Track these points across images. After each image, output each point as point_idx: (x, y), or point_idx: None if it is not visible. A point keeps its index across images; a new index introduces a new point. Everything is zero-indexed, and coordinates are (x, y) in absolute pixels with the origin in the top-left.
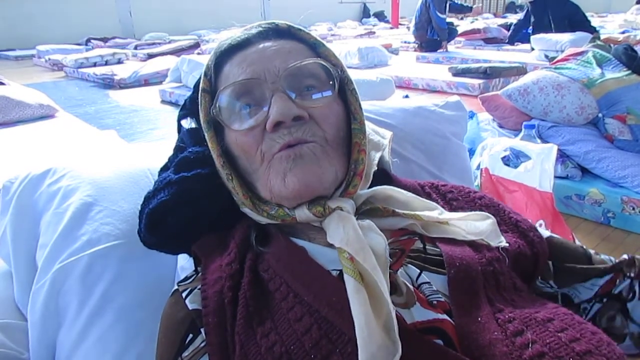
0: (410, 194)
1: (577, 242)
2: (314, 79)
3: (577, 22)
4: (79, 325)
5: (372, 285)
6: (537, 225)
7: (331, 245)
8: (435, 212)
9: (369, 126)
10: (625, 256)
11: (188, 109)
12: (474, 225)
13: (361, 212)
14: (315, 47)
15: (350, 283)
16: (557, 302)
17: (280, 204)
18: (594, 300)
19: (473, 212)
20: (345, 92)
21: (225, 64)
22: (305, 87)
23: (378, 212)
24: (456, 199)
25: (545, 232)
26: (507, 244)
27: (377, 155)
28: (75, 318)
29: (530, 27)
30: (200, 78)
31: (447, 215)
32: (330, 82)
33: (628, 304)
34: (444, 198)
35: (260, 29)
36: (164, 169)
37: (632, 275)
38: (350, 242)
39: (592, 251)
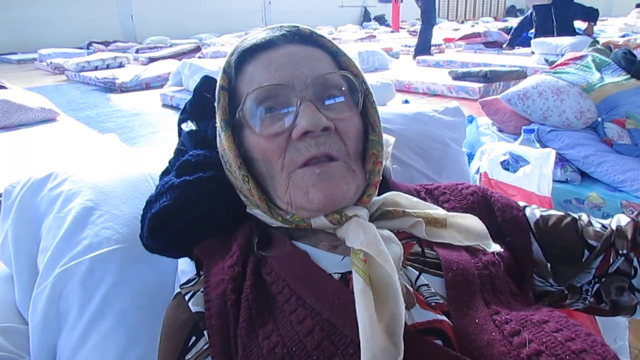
0: (415, 198)
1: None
2: (339, 90)
3: (585, 13)
4: (80, 329)
5: (380, 288)
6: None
7: (334, 250)
8: (440, 210)
9: None
10: (620, 219)
11: (188, 112)
12: (471, 226)
13: (373, 218)
14: (336, 55)
15: (359, 283)
16: (560, 294)
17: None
18: (593, 281)
19: (472, 216)
20: (366, 103)
21: (247, 64)
22: (330, 96)
23: (389, 215)
24: (448, 201)
25: (535, 214)
26: (502, 250)
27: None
28: (75, 322)
29: (533, 31)
30: (200, 83)
31: (450, 213)
32: (353, 94)
33: (633, 281)
34: (437, 202)
35: (285, 31)
36: (165, 172)
37: (625, 251)
38: (370, 244)
39: (584, 220)
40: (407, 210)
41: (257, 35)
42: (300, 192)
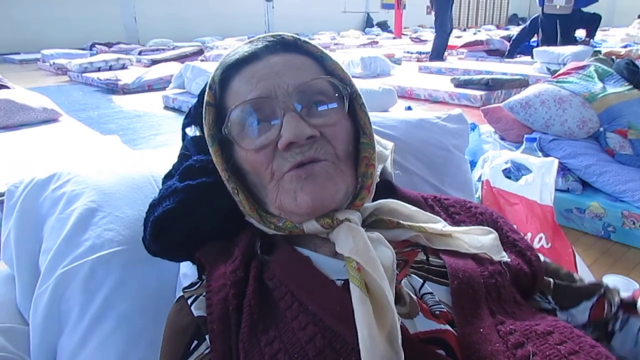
0: (414, 207)
1: (577, 257)
2: (324, 96)
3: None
4: (81, 331)
5: (377, 295)
6: (537, 238)
7: (336, 255)
8: (439, 224)
9: None
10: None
11: (192, 117)
12: (476, 239)
13: (367, 224)
14: (322, 60)
15: (355, 293)
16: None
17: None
18: (589, 328)
19: (476, 227)
20: (354, 106)
21: (232, 78)
22: (315, 103)
23: (383, 224)
24: (458, 213)
25: (540, 257)
26: (509, 259)
27: (380, 167)
28: (76, 323)
29: (535, 40)
30: (204, 87)
31: (450, 228)
32: (339, 98)
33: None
34: (447, 211)
35: (267, 42)
36: (168, 176)
37: (618, 303)
38: (359, 252)
39: (577, 276)
40: (402, 222)
41: (241, 49)
42: (289, 197)
